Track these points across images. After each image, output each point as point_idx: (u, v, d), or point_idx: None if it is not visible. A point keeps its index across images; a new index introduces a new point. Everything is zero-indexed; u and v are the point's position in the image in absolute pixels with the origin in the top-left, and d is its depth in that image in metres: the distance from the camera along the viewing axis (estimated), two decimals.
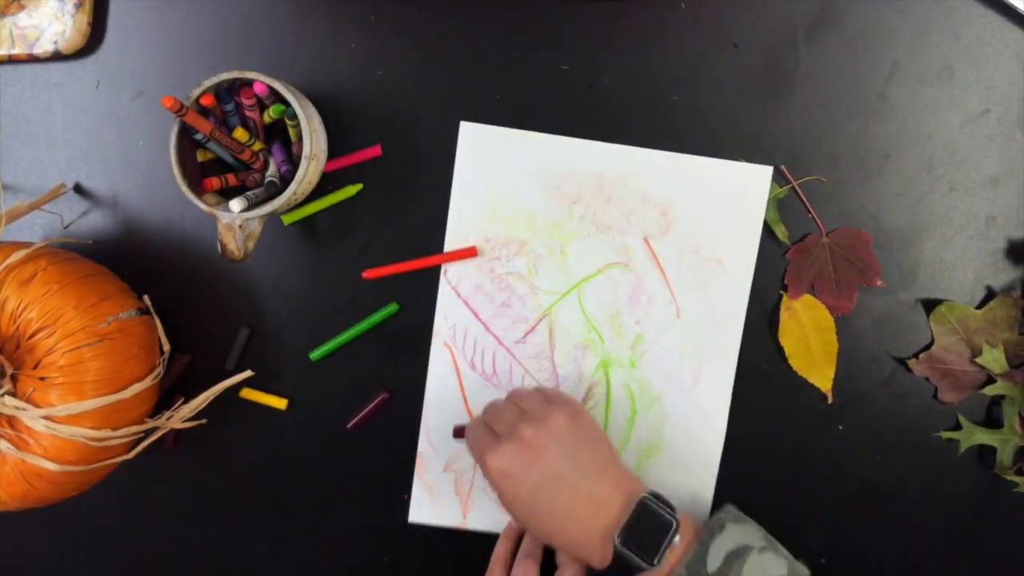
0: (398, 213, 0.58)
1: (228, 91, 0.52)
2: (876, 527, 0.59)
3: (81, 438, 0.49)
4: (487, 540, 0.58)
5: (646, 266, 0.58)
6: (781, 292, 0.58)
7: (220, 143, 0.51)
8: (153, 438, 0.54)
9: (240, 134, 0.51)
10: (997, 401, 0.58)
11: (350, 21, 0.58)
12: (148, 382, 0.53)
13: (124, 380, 0.51)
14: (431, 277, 0.58)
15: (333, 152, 0.58)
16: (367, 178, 0.58)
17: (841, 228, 0.57)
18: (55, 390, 0.49)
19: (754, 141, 0.58)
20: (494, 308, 0.59)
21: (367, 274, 0.58)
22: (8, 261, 0.50)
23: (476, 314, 0.59)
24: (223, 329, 0.59)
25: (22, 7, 0.57)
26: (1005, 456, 0.57)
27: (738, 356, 0.58)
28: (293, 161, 0.54)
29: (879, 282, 0.57)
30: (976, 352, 0.57)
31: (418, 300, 0.59)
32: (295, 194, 0.52)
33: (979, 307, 0.58)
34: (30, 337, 0.49)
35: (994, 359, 0.56)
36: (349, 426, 0.59)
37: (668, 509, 0.49)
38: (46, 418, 0.48)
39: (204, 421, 0.58)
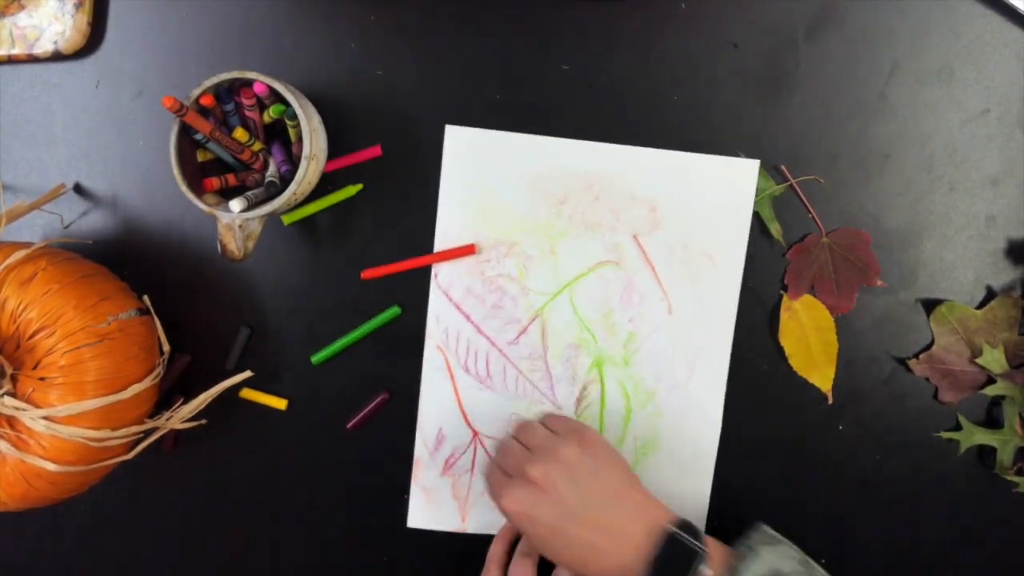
0: (398, 213, 0.58)
1: (228, 91, 0.52)
2: (876, 527, 0.59)
3: (81, 438, 0.49)
4: (487, 540, 0.58)
5: (637, 264, 0.58)
6: (781, 292, 0.58)
7: (220, 143, 0.51)
8: (153, 438, 0.54)
9: (240, 134, 0.51)
10: (997, 401, 0.58)
11: (350, 21, 0.58)
12: (148, 382, 0.53)
13: (124, 380, 0.51)
14: (431, 277, 0.58)
15: (333, 152, 0.58)
16: (367, 178, 0.58)
17: (841, 228, 0.57)
18: (55, 390, 0.49)
19: (754, 141, 0.58)
20: (486, 310, 0.58)
21: (365, 274, 0.58)
22: (8, 261, 0.50)
23: (468, 317, 0.58)
24: (223, 329, 0.59)
25: (22, 7, 0.57)
26: (1005, 456, 0.57)
27: (734, 353, 0.58)
28: (293, 161, 0.54)
29: (879, 282, 0.57)
30: (976, 352, 0.57)
31: (418, 300, 0.58)
32: (295, 194, 0.52)
33: (979, 307, 0.58)
34: (30, 337, 0.49)
35: (994, 359, 0.56)
36: (349, 426, 0.59)
37: (694, 539, 0.47)
38: (46, 418, 0.48)
39: (204, 421, 0.58)
